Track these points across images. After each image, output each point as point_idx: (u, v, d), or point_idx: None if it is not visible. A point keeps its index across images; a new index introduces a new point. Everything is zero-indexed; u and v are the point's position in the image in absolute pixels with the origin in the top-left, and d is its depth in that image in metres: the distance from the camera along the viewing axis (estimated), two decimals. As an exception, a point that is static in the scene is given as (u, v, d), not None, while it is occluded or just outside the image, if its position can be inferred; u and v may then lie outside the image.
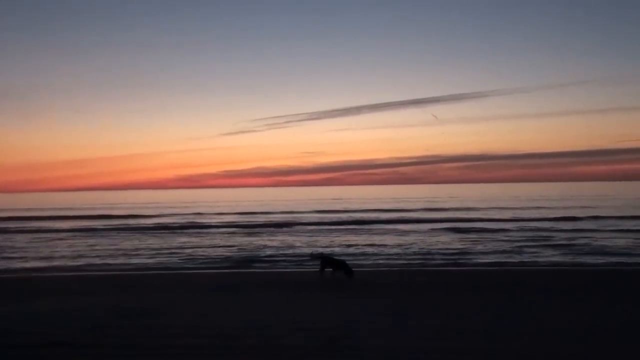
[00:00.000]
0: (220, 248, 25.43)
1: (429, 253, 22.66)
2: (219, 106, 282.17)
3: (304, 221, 42.37)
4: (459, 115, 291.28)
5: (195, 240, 29.40)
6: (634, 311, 10.60)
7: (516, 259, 20.90)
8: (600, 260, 20.34)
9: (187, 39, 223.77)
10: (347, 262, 15.57)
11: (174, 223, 41.96)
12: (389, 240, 27.96)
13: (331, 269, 14.98)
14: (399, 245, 25.36)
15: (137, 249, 25.49)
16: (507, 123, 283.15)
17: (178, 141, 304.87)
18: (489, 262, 20.01)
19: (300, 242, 27.40)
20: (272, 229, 36.03)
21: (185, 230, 35.68)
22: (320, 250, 19.86)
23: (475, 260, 20.52)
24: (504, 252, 22.88)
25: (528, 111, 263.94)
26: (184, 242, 28.15)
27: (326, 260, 15.18)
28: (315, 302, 11.77)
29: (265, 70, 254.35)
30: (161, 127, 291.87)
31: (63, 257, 23.37)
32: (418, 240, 27.77)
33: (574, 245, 24.67)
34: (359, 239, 28.53)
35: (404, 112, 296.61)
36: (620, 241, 26.01)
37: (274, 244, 26.87)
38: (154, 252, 24.52)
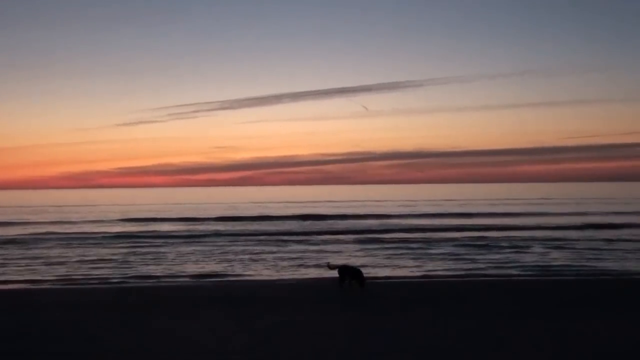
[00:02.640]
0: (90, 262, 25.01)
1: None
2: (113, 92, 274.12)
3: (206, 231, 42.06)
4: (391, 106, 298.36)
5: (64, 251, 28.63)
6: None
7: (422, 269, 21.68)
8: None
9: (73, 12, 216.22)
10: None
11: (42, 233, 40.52)
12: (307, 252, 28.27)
13: (347, 279, 16.70)
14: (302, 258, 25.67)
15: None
16: (445, 116, 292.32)
17: (63, 132, 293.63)
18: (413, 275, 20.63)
19: (197, 255, 27.24)
20: (164, 239, 35.47)
21: (48, 241, 34.48)
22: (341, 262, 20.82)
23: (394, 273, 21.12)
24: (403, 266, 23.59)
25: (468, 103, 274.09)
26: (48, 254, 27.62)
27: (345, 269, 17.01)
28: (218, 319, 11.79)
29: (170, 50, 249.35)
30: (42, 116, 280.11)
31: None
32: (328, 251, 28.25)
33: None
34: (267, 250, 28.69)
35: (329, 102, 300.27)
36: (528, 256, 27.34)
37: (170, 256, 26.67)
38: (21, 265, 23.71)
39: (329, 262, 18.72)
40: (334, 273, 16.98)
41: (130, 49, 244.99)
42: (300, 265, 23.87)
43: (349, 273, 16.85)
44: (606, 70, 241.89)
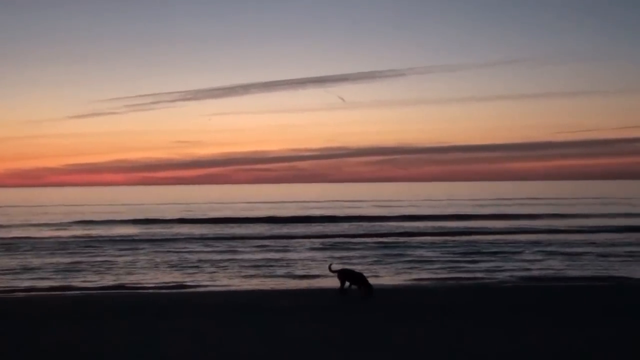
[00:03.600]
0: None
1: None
2: (65, 80, 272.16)
3: (166, 234, 41.77)
4: (371, 97, 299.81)
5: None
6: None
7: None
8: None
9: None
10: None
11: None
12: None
13: (352, 285, 17.04)
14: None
15: None
16: (428, 108, 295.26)
17: (9, 125, 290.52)
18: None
19: (153, 262, 26.92)
20: (119, 244, 35.01)
21: None
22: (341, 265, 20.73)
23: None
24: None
25: (453, 94, 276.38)
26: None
27: (346, 273, 17.19)
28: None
29: (128, 36, 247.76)
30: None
31: None
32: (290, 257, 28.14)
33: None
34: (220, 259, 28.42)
35: (303, 93, 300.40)
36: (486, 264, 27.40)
37: (121, 263, 26.34)
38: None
39: (330, 265, 18.55)
40: (311, 283, 16.92)
41: (83, 33, 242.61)
42: (264, 275, 23.60)
43: (350, 278, 16.89)
44: (602, 60, 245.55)
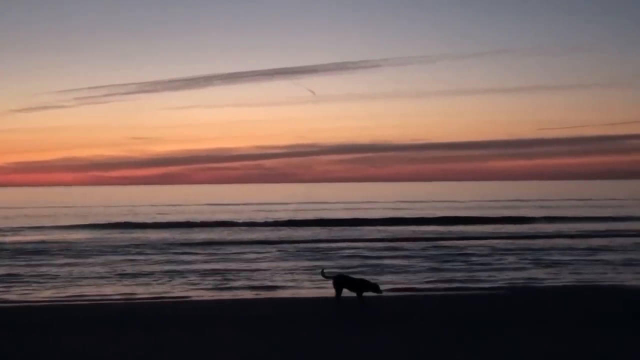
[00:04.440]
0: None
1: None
2: (9, 71, 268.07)
3: (121, 240, 41.22)
4: (343, 90, 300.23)
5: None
6: None
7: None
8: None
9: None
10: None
11: None
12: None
13: (355, 293, 16.84)
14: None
15: None
16: (406, 102, 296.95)
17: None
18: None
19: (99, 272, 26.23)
20: (65, 251, 34.28)
21: None
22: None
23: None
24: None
25: (433, 87, 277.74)
26: None
27: (343, 280, 16.97)
28: None
29: (78, 23, 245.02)
30: None
31: None
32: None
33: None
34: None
35: (269, 85, 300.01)
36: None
37: (64, 273, 25.63)
38: None
39: (322, 270, 18.26)
40: (273, 294, 16.59)
41: (27, 20, 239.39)
42: (222, 286, 23.13)
43: (348, 285, 16.61)
44: (590, 52, 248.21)
